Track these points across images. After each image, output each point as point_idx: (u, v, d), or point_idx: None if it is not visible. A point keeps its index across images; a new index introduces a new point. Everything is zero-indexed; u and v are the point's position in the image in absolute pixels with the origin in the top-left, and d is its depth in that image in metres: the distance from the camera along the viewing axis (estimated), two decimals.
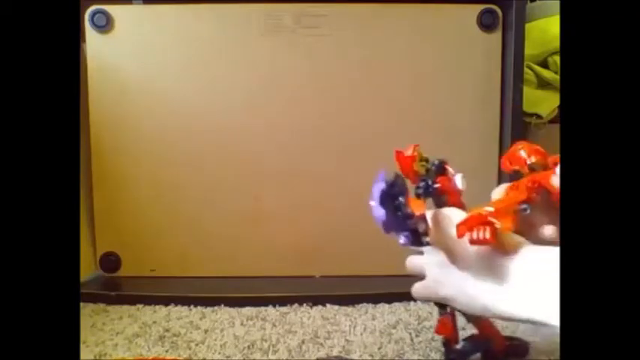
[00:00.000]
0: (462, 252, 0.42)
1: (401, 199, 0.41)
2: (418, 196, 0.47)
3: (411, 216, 0.41)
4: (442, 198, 0.47)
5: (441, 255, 0.44)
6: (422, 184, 0.47)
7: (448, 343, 0.52)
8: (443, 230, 0.43)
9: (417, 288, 0.49)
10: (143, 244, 0.82)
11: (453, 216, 0.43)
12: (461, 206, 0.47)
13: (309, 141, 0.82)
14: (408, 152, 0.48)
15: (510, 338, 0.56)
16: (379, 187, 0.41)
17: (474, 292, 0.41)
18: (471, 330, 0.54)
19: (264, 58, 0.81)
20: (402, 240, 0.42)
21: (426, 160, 0.48)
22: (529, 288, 0.37)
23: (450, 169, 0.48)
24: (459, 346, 0.52)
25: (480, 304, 0.41)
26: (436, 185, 0.46)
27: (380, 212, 0.40)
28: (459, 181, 0.47)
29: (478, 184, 0.84)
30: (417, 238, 0.42)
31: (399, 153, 0.48)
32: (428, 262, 0.47)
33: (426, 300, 0.52)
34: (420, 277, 0.48)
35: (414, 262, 0.49)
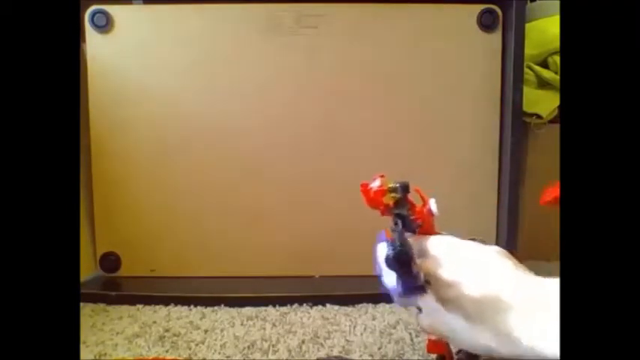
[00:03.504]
0: (451, 295, 0.39)
1: (412, 265, 0.38)
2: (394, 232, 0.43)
3: (419, 275, 0.38)
4: (415, 225, 0.45)
5: (431, 299, 0.41)
6: (399, 221, 0.43)
7: None
8: (433, 274, 0.41)
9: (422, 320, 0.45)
10: (143, 244, 0.82)
11: (440, 256, 0.41)
12: (432, 231, 0.45)
13: (309, 141, 0.82)
14: (376, 184, 0.44)
15: None
16: (386, 253, 0.38)
17: (470, 334, 0.39)
18: None
19: (264, 58, 0.81)
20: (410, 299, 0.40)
21: (394, 190, 0.44)
22: (536, 322, 0.35)
23: (415, 190, 0.45)
24: None
25: (481, 345, 0.39)
26: (418, 222, 0.44)
27: (393, 283, 0.39)
28: (433, 206, 0.44)
29: (478, 184, 0.85)
30: (424, 290, 0.40)
31: (365, 186, 0.44)
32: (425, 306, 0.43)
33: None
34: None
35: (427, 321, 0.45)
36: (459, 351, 0.50)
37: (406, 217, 0.43)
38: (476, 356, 0.48)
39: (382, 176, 0.45)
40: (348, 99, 0.82)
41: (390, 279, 0.40)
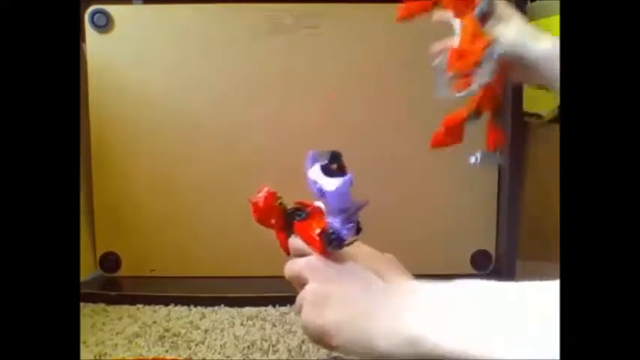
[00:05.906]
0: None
1: None
2: None
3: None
4: None
5: None
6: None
7: None
8: None
9: None
10: (143, 244, 0.82)
11: None
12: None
13: (309, 140, 0.82)
14: (262, 195, 0.47)
15: None
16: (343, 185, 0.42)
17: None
18: None
19: (265, 58, 0.81)
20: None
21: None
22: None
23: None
24: None
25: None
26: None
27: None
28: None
29: (478, 184, 0.85)
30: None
31: (255, 204, 0.47)
32: None
33: None
34: None
35: None
36: None
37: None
38: None
39: (266, 187, 0.48)
40: (347, 98, 0.82)
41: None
